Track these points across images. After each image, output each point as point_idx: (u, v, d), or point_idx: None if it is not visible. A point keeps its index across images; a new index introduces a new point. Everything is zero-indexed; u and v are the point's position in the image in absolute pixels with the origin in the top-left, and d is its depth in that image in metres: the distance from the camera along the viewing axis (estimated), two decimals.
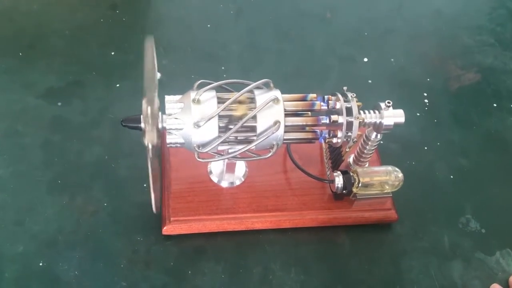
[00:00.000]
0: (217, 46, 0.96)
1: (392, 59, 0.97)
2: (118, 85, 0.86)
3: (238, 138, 0.63)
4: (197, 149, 0.61)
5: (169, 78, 0.87)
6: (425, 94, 0.92)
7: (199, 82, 0.63)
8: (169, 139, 0.61)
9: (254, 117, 0.61)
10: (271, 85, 0.64)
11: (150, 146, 0.56)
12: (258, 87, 0.63)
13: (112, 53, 0.91)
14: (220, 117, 0.60)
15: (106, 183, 0.74)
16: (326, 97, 0.65)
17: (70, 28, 0.94)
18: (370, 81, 0.93)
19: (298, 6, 1.05)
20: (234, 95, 0.61)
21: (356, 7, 1.07)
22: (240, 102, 0.62)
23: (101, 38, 0.93)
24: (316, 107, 0.64)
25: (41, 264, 0.66)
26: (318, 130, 0.64)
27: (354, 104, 0.64)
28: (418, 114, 0.89)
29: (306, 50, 0.97)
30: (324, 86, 0.91)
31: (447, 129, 0.88)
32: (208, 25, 0.99)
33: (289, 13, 1.04)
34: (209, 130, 0.60)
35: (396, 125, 0.66)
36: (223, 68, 0.92)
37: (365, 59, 0.97)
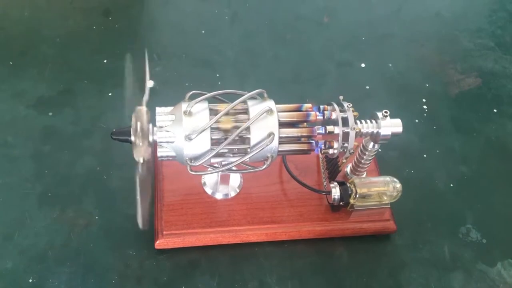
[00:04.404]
0: (212, 52, 0.94)
1: (390, 64, 0.96)
2: (110, 94, 0.85)
3: (232, 150, 0.61)
4: (189, 162, 0.59)
5: (163, 86, 0.86)
6: (424, 100, 0.90)
7: (191, 93, 0.61)
8: (160, 152, 0.59)
9: (247, 129, 0.59)
10: (265, 95, 0.62)
11: (140, 161, 0.55)
12: (251, 98, 0.61)
13: (105, 61, 0.89)
14: (213, 129, 0.59)
15: (97, 195, 0.73)
16: (321, 107, 0.63)
17: (61, 35, 0.92)
18: (367, 87, 0.91)
19: (294, 10, 1.03)
20: (227, 107, 0.59)
21: (353, 11, 1.05)
22: (230, 114, 0.60)
23: (93, 46, 0.92)
24: (312, 118, 0.62)
25: (30, 280, 0.65)
26: (313, 141, 0.62)
27: (350, 114, 0.62)
28: (416, 120, 0.87)
29: (302, 55, 0.96)
30: (321, 92, 0.90)
31: (446, 136, 0.86)
32: (203, 31, 0.97)
33: (285, 17, 1.02)
34: (201, 143, 0.58)
35: (394, 135, 0.65)
36: (218, 75, 0.90)
37: (363, 65, 0.95)
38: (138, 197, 0.55)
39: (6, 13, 0.95)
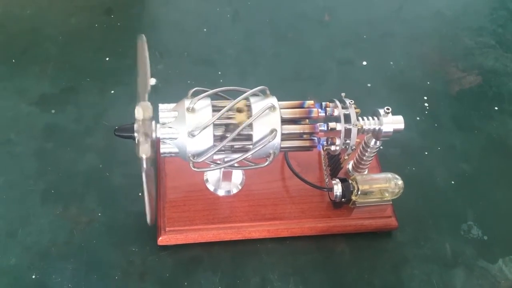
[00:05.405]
0: (213, 50, 0.94)
1: (392, 62, 0.96)
2: (112, 92, 0.85)
3: (234, 147, 0.61)
4: (192, 158, 0.59)
5: (165, 83, 0.86)
6: (425, 98, 0.91)
7: (193, 89, 0.61)
8: (163, 148, 0.60)
9: (250, 126, 0.59)
10: (268, 92, 0.62)
11: (144, 157, 0.55)
12: (254, 94, 0.61)
13: (107, 59, 0.90)
14: (215, 126, 0.59)
15: (100, 192, 0.73)
16: (323, 103, 0.63)
17: (63, 34, 0.93)
18: (369, 85, 0.91)
19: (295, 9, 1.04)
20: (230, 103, 0.59)
21: (354, 9, 1.05)
22: (237, 111, 0.60)
23: (95, 44, 0.92)
24: (314, 114, 0.62)
25: (33, 276, 0.65)
26: (316, 138, 0.63)
27: (352, 111, 0.62)
28: (418, 118, 0.88)
29: (303, 53, 0.96)
30: (322, 90, 0.90)
31: (448, 134, 0.86)
32: (204, 29, 0.97)
33: (286, 15, 1.02)
34: (204, 140, 0.58)
35: (396, 131, 0.65)
36: (219, 73, 0.91)
37: (364, 62, 0.95)
38: (146, 193, 0.55)
39: (8, 11, 0.95)
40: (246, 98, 0.61)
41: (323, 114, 0.63)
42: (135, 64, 0.58)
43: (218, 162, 0.64)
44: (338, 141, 0.63)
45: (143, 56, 0.57)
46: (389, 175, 0.69)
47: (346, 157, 0.67)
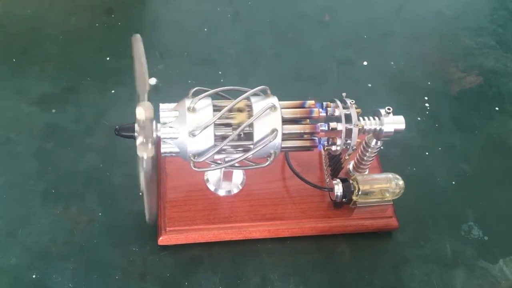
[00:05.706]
0: (214, 50, 0.94)
1: (392, 62, 0.96)
2: (113, 91, 0.85)
3: (235, 147, 0.61)
4: (192, 158, 0.59)
5: (165, 83, 0.86)
6: (426, 98, 0.91)
7: (194, 89, 0.61)
8: (164, 148, 0.60)
9: (251, 125, 0.59)
10: (268, 92, 0.62)
11: (144, 157, 0.55)
12: (255, 94, 0.61)
13: (107, 59, 0.90)
14: (216, 125, 0.59)
15: (100, 192, 0.73)
16: (324, 103, 0.63)
17: (64, 33, 0.93)
18: (369, 85, 0.91)
19: (296, 9, 1.04)
20: (230, 103, 0.59)
21: (354, 9, 1.05)
22: (237, 110, 0.60)
23: (96, 43, 0.92)
24: (315, 114, 0.62)
25: (34, 276, 0.65)
26: (316, 138, 0.63)
27: (353, 111, 0.62)
28: (418, 118, 0.87)
29: (304, 53, 0.96)
30: (323, 90, 0.90)
31: (448, 134, 0.86)
32: (205, 29, 0.97)
33: (287, 15, 1.02)
34: (204, 139, 0.58)
35: (397, 132, 0.65)
36: (220, 72, 0.90)
37: (365, 63, 0.95)
38: (145, 192, 0.55)
39: (9, 11, 0.95)
40: (247, 98, 0.61)
41: (324, 114, 0.63)
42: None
43: (219, 162, 0.64)
44: (339, 141, 0.63)
45: (139, 54, 0.57)
46: (390, 175, 0.69)
47: (347, 157, 0.67)
